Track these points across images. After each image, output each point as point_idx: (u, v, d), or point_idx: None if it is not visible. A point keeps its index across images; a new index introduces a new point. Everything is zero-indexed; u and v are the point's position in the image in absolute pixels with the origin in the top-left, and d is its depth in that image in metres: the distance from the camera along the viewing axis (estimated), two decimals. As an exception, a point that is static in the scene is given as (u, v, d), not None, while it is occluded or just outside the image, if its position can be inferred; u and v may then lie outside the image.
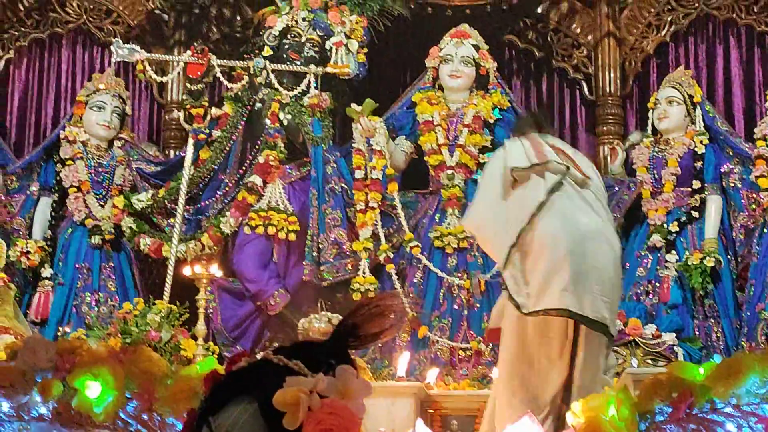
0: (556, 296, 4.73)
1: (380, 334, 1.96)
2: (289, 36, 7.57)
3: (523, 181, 4.96)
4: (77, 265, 7.44)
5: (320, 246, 7.16)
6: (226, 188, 7.42)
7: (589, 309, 4.79)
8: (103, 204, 7.53)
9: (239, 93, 7.53)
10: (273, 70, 7.40)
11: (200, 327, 6.51)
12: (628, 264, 7.46)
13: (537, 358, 4.84)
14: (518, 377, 4.88)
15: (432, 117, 7.43)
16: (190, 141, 7.31)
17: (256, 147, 7.42)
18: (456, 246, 7.15)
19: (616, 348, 6.82)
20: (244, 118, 7.51)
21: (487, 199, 4.97)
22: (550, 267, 4.77)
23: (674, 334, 6.90)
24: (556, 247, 4.83)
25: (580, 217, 5.05)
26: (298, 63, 7.49)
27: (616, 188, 7.54)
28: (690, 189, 7.43)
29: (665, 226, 7.38)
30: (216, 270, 6.75)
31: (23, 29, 8.40)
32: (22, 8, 8.37)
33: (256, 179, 7.27)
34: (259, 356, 1.95)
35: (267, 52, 7.52)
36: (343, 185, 7.30)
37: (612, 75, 8.31)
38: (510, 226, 4.80)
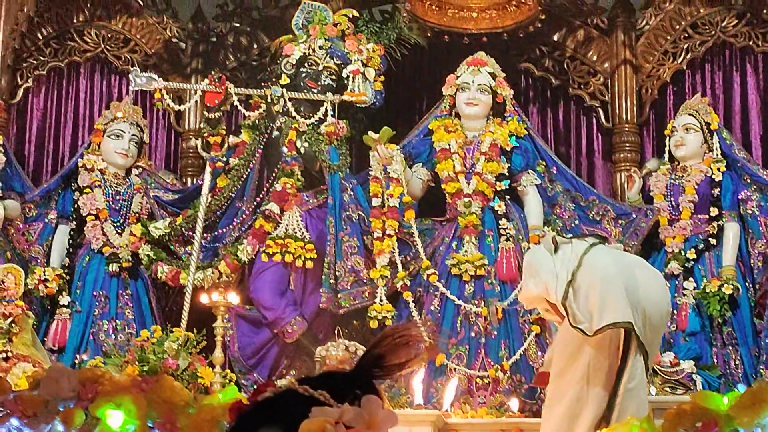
0: (618, 310, 4.79)
1: (405, 365, 1.96)
2: (306, 64, 7.60)
3: (564, 245, 5.07)
4: (95, 293, 7.46)
5: (337, 273, 7.16)
6: (244, 216, 7.42)
7: (640, 330, 4.85)
8: (120, 232, 7.55)
9: (256, 121, 7.54)
10: (290, 98, 7.42)
11: (218, 354, 6.51)
12: (645, 291, 7.46)
13: (589, 384, 4.88)
14: (571, 406, 4.91)
15: (449, 145, 7.44)
16: (208, 169, 7.33)
17: (274, 175, 7.43)
18: (473, 273, 7.14)
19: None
20: (262, 146, 7.53)
21: (534, 268, 5.09)
22: (605, 288, 4.85)
23: (693, 362, 6.88)
24: (607, 273, 4.92)
25: (626, 255, 5.38)
26: (315, 91, 7.51)
27: (634, 216, 7.54)
28: (707, 216, 7.42)
29: (683, 253, 7.37)
30: (233, 298, 6.75)
31: (42, 58, 8.45)
32: (40, 37, 8.42)
33: (274, 207, 7.27)
34: (280, 383, 1.95)
35: (284, 80, 7.54)
36: (360, 213, 7.30)
37: (628, 102, 8.31)
38: (561, 270, 4.93)
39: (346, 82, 7.57)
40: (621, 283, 4.90)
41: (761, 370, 7.07)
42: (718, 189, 7.43)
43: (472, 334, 7.09)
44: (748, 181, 7.46)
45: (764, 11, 8.12)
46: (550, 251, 5.05)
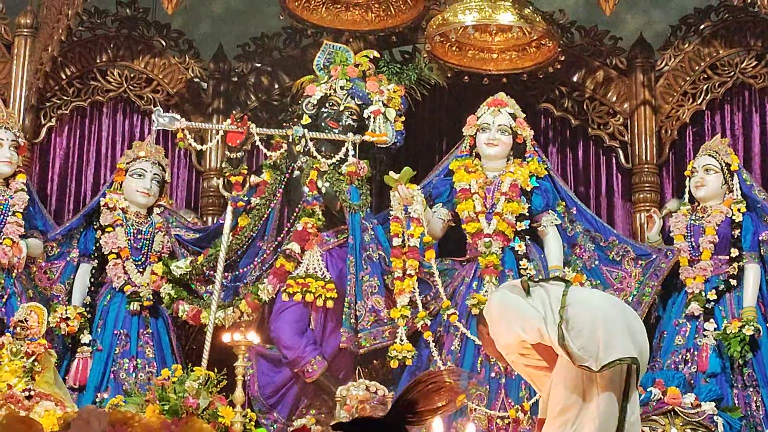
0: (624, 347, 4.77)
1: (438, 411, 1.98)
2: (327, 104, 7.65)
3: (535, 289, 5.02)
4: (116, 332, 7.48)
5: (358, 313, 7.16)
6: (264, 255, 7.44)
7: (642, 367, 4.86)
8: (142, 270, 7.58)
9: (278, 161, 7.58)
10: (311, 138, 7.45)
11: (238, 394, 6.51)
12: (665, 332, 7.45)
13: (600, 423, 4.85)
14: None
15: (469, 185, 7.46)
16: (229, 208, 7.34)
17: (295, 214, 7.45)
18: (493, 314, 7.12)
19: (655, 417, 6.80)
20: (283, 186, 7.56)
21: (514, 313, 4.98)
22: (608, 325, 4.82)
23: (713, 404, 6.86)
24: (606, 311, 4.89)
25: (613, 296, 5.23)
26: (337, 131, 7.55)
27: (654, 256, 7.53)
28: (728, 257, 7.41)
29: (703, 294, 7.36)
30: (254, 337, 6.75)
31: (65, 97, 8.52)
32: (64, 77, 8.49)
33: (294, 246, 7.29)
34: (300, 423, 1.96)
35: (305, 120, 7.59)
36: (380, 252, 7.31)
37: (648, 143, 8.34)
38: (546, 312, 4.87)
39: (367, 122, 7.61)
40: (622, 321, 4.89)
41: (783, 412, 7.06)
42: (739, 230, 7.42)
43: (492, 375, 7.08)
44: (769, 221, 7.47)
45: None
46: (520, 295, 4.97)
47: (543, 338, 4.84)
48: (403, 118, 7.72)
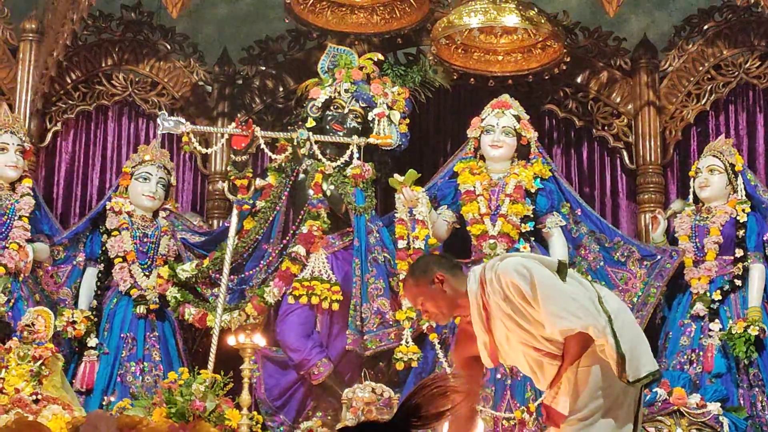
0: (651, 358, 4.68)
1: (443, 414, 1.98)
2: (332, 107, 7.67)
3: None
4: (122, 335, 7.50)
5: (363, 315, 7.18)
6: (270, 258, 7.46)
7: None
8: (148, 274, 7.60)
9: (283, 164, 7.60)
10: (316, 141, 7.47)
11: (244, 396, 6.54)
12: (671, 333, 7.46)
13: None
14: None
15: (474, 187, 7.47)
16: (234, 211, 7.35)
17: (300, 217, 7.47)
18: (498, 315, 7.13)
19: (660, 417, 6.81)
20: (288, 189, 7.58)
21: (560, 293, 4.64)
22: (638, 334, 4.74)
23: (719, 404, 6.87)
24: (626, 312, 4.78)
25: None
26: (341, 134, 7.56)
27: (658, 257, 7.53)
28: (733, 257, 7.42)
29: (708, 294, 7.37)
30: (260, 339, 6.78)
31: (70, 102, 8.54)
32: (69, 81, 8.51)
33: (300, 249, 7.31)
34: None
35: (310, 123, 7.61)
36: (385, 255, 7.33)
37: (652, 144, 8.34)
38: (596, 308, 4.62)
39: (371, 125, 7.63)
40: (634, 323, 4.78)
41: (788, 412, 7.06)
42: (743, 230, 7.42)
43: (498, 376, 7.10)
44: (773, 222, 7.48)
45: (787, 52, 8.17)
46: (553, 272, 4.64)
47: (606, 339, 4.54)
48: (407, 121, 7.74)
